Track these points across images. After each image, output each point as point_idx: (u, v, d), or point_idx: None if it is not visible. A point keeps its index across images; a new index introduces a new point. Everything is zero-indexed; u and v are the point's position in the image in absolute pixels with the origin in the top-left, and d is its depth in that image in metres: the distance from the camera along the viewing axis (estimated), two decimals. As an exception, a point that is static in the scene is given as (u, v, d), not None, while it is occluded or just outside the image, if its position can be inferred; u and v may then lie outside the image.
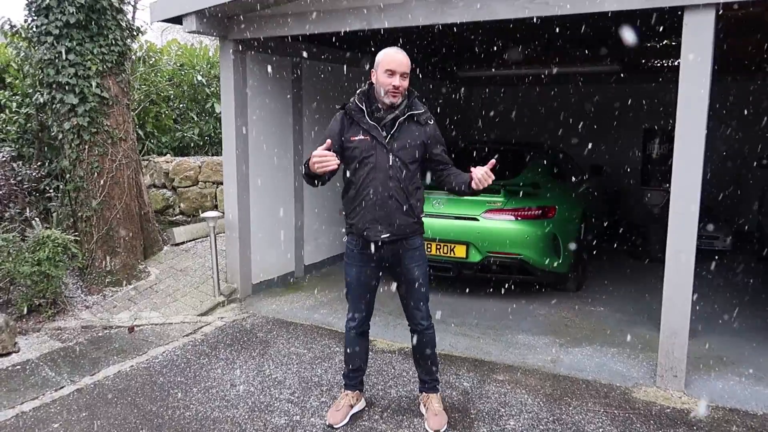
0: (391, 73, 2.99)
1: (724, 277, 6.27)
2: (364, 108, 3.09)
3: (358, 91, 3.16)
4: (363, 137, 3.07)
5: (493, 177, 2.99)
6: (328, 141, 2.93)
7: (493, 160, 2.99)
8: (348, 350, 3.42)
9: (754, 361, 4.16)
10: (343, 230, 3.36)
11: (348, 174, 3.16)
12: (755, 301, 5.46)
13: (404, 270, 3.20)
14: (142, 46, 8.65)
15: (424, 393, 3.46)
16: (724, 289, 5.78)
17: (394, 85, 2.99)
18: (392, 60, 3.00)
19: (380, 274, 3.32)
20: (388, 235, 3.08)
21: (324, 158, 2.83)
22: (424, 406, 3.42)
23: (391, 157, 3.04)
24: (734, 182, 8.59)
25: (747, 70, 7.74)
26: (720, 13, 3.51)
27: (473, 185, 3.00)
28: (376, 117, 3.08)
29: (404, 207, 3.08)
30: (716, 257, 7.08)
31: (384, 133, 3.05)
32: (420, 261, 3.22)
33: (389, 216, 3.06)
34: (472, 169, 3.00)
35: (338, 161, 2.89)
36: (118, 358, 4.31)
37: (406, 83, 3.04)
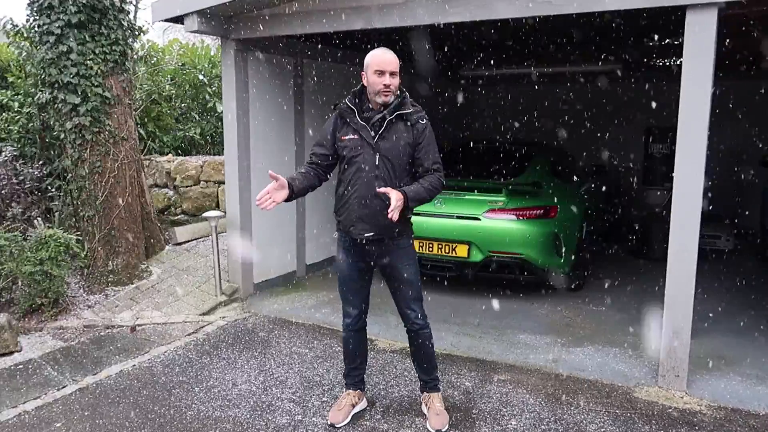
0: (381, 72, 3.02)
1: (727, 276, 6.26)
2: (354, 108, 3.13)
3: (351, 92, 3.21)
4: (353, 136, 3.11)
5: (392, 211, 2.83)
6: (271, 174, 3.00)
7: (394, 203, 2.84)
8: (346, 347, 3.43)
9: (756, 361, 4.15)
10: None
11: (340, 172, 3.21)
12: (758, 301, 5.44)
13: (393, 271, 3.21)
14: (143, 46, 8.65)
15: (425, 392, 3.46)
16: (727, 289, 5.77)
17: (384, 84, 3.02)
18: (380, 60, 3.04)
19: (371, 269, 3.32)
20: (372, 234, 3.10)
21: (263, 200, 2.96)
22: (426, 405, 3.42)
23: (377, 156, 3.06)
24: (737, 181, 8.58)
25: (749, 70, 7.72)
26: (722, 12, 3.51)
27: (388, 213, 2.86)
28: (365, 117, 3.12)
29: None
30: (718, 257, 7.07)
31: (372, 133, 3.08)
32: (409, 261, 3.23)
33: (374, 215, 3.06)
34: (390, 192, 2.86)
35: (283, 195, 3.00)
36: (120, 358, 4.32)
37: (396, 81, 3.06)
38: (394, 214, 2.82)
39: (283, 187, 3.03)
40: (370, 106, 3.12)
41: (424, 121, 3.14)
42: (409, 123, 3.10)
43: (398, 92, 3.12)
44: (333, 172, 3.31)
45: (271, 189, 3.00)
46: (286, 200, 3.07)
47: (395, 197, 2.84)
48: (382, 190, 2.90)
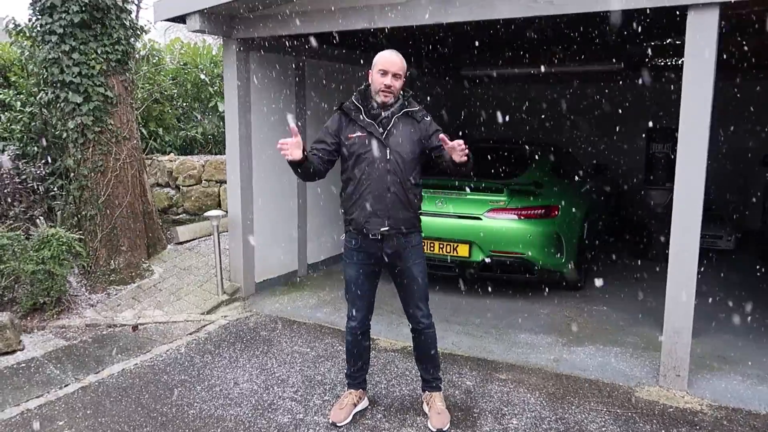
0: (384, 72, 3.07)
1: (728, 276, 6.26)
2: (361, 106, 3.17)
3: (357, 90, 3.25)
4: (360, 134, 3.14)
5: (464, 150, 2.87)
6: (292, 127, 2.97)
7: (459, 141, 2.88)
8: (349, 349, 3.43)
9: (757, 361, 4.15)
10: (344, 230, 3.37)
11: (346, 171, 3.22)
12: (759, 301, 5.44)
13: (403, 268, 3.23)
14: (145, 45, 8.66)
15: (427, 392, 3.47)
16: (728, 289, 5.78)
17: (385, 84, 3.07)
18: (386, 61, 3.09)
19: (380, 272, 3.34)
20: (387, 228, 3.12)
21: (284, 147, 2.94)
22: (427, 404, 3.43)
23: (388, 151, 3.10)
24: (738, 181, 8.57)
25: (751, 70, 7.71)
26: (723, 12, 3.51)
27: (455, 158, 2.90)
28: (372, 114, 3.16)
29: (403, 201, 3.13)
30: (720, 256, 7.07)
31: (381, 129, 3.12)
32: (419, 259, 3.25)
33: (388, 209, 3.10)
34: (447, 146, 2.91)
35: (299, 153, 2.95)
36: (122, 357, 4.33)
37: (398, 83, 3.10)
38: (464, 152, 2.83)
39: (299, 147, 2.97)
40: (375, 105, 3.16)
41: (428, 118, 3.21)
42: (415, 120, 3.16)
43: (401, 94, 3.17)
44: (331, 170, 3.30)
45: (291, 142, 2.95)
46: (298, 164, 2.99)
47: (457, 141, 2.83)
48: (442, 136, 2.91)
